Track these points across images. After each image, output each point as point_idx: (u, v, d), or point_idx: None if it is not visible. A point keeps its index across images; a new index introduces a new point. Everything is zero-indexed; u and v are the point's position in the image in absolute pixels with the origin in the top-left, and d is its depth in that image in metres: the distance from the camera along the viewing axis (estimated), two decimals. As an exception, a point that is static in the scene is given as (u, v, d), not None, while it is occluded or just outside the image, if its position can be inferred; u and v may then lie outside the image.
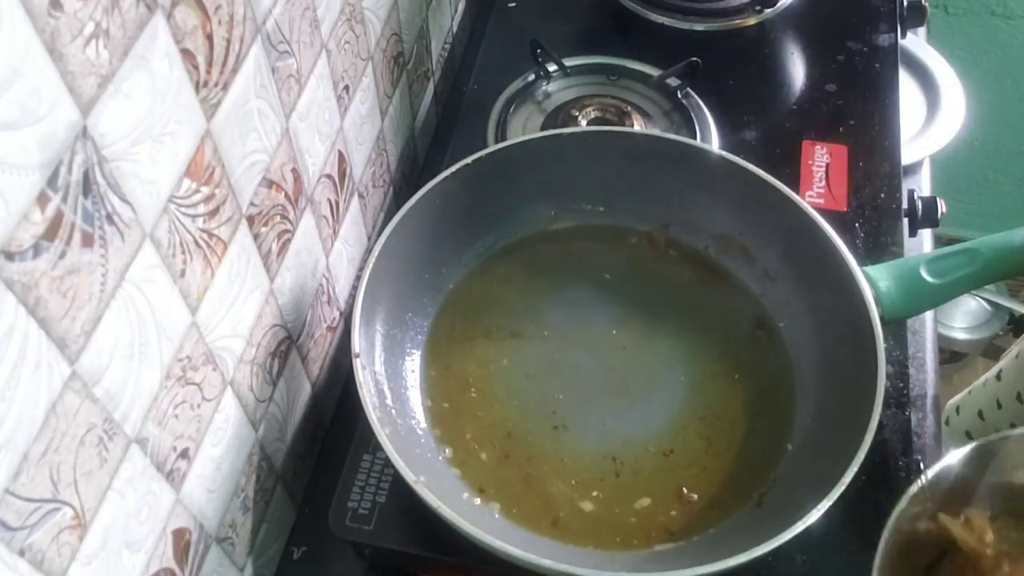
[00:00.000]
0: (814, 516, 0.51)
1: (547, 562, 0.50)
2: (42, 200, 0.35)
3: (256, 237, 0.55)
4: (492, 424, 0.63)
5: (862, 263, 0.63)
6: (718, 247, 0.71)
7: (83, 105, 0.36)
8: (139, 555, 0.48)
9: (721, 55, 0.89)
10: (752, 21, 0.91)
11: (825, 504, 0.51)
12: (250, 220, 0.54)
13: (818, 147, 0.83)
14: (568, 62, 0.87)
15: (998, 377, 0.96)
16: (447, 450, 0.61)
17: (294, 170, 0.59)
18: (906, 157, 0.85)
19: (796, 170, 0.81)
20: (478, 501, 0.59)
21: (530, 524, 0.59)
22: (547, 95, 0.86)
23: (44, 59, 0.34)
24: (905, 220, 0.79)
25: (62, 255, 0.37)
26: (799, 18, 0.94)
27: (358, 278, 0.76)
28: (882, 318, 0.60)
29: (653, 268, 0.71)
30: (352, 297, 0.71)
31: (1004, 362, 0.97)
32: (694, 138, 0.81)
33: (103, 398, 0.41)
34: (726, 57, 0.90)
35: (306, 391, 0.69)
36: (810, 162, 0.82)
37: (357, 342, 0.57)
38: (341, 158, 0.69)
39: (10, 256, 0.34)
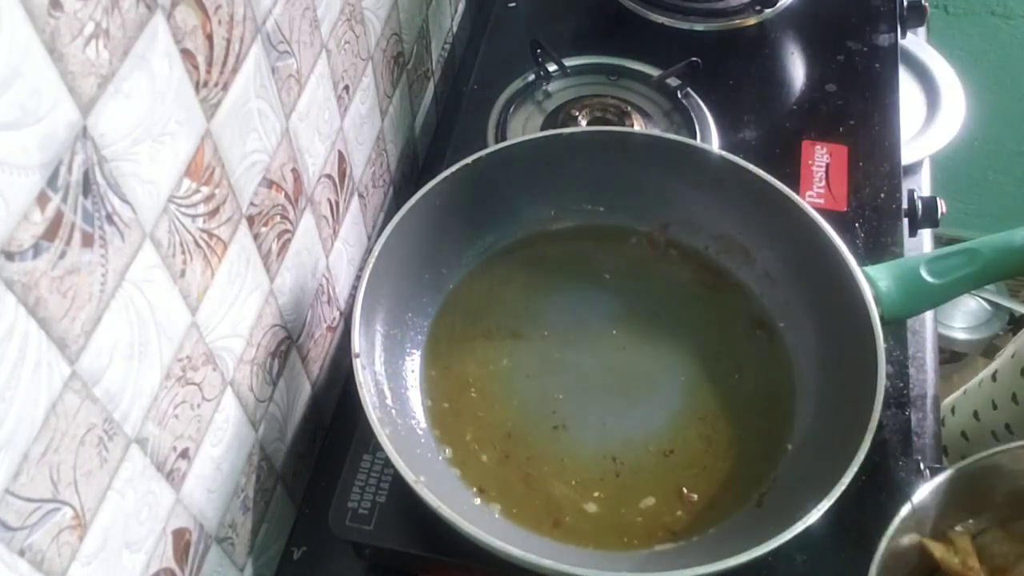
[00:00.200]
0: (814, 516, 0.51)
1: (547, 562, 0.50)
2: (42, 200, 0.35)
3: (256, 237, 0.55)
4: (492, 424, 0.63)
5: (862, 263, 0.63)
6: (718, 247, 0.71)
7: (83, 105, 0.36)
8: (139, 555, 0.48)
9: (721, 55, 0.89)
10: (752, 21, 0.91)
11: (825, 504, 0.51)
12: (250, 220, 0.54)
13: (818, 147, 0.83)
14: (568, 62, 0.87)
15: (993, 378, 0.96)
16: (447, 450, 0.61)
17: (294, 170, 0.59)
18: (906, 157, 0.85)
19: (796, 170, 0.81)
20: (478, 501, 0.59)
21: (530, 524, 0.59)
22: (547, 95, 0.86)
23: (44, 59, 0.34)
24: (905, 220, 0.79)
25: (62, 255, 0.37)
26: (799, 18, 0.94)
27: (358, 278, 0.76)
28: (882, 318, 0.60)
29: (653, 268, 0.71)
30: (352, 297, 0.71)
31: (999, 362, 0.96)
32: (694, 138, 0.81)
33: (103, 398, 0.41)
34: (726, 57, 0.90)
35: (306, 391, 0.69)
36: (810, 162, 0.82)
37: (357, 342, 0.57)
38: (341, 158, 0.69)
39: (10, 256, 0.34)
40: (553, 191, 0.71)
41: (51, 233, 0.36)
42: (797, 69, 0.91)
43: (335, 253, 0.71)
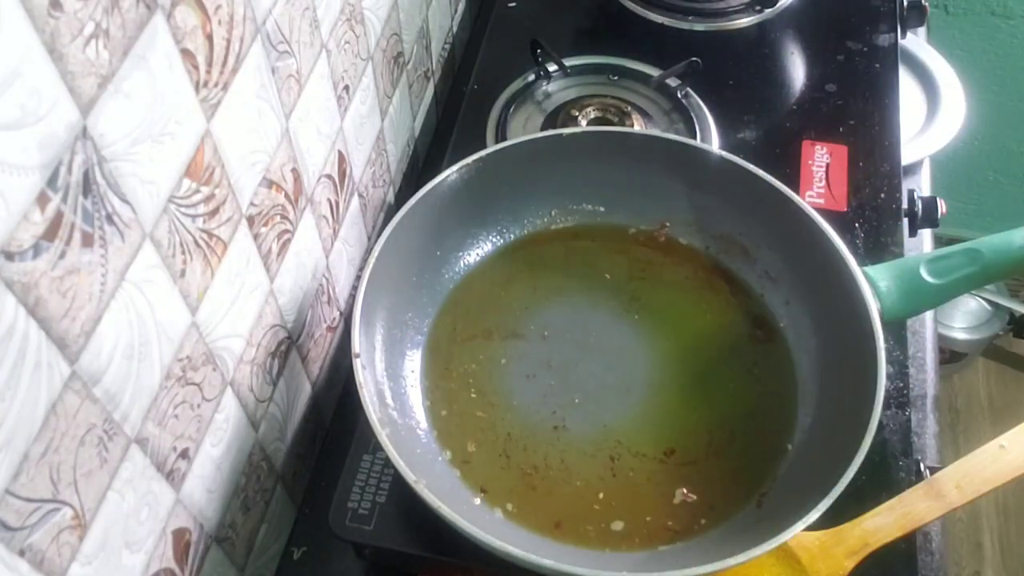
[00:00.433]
0: (814, 516, 0.51)
1: (548, 562, 0.50)
2: (42, 200, 0.35)
3: (256, 237, 0.55)
4: (492, 424, 0.63)
5: (862, 263, 0.63)
6: (718, 247, 0.71)
7: (83, 105, 0.36)
8: (139, 555, 0.48)
9: (721, 55, 0.89)
10: (752, 21, 0.91)
11: (825, 504, 0.51)
12: (250, 220, 0.54)
13: (818, 147, 0.83)
14: (568, 62, 0.87)
15: None
16: (447, 450, 0.61)
17: (294, 170, 0.59)
18: (906, 157, 0.85)
19: (796, 170, 0.81)
20: (478, 501, 0.59)
21: (530, 524, 0.59)
22: (547, 95, 0.86)
23: (44, 59, 0.34)
24: (905, 220, 0.79)
25: (62, 255, 0.37)
26: (799, 18, 0.95)
27: (358, 278, 0.76)
28: (882, 318, 0.60)
29: (653, 268, 0.71)
30: (352, 297, 0.71)
31: None
32: (694, 138, 0.81)
33: (103, 398, 0.41)
34: (726, 57, 0.90)
35: (306, 391, 0.69)
36: (810, 162, 0.82)
37: (357, 342, 0.57)
38: (341, 158, 0.69)
39: (10, 256, 0.34)
40: (553, 191, 0.71)
41: (51, 233, 0.36)
42: (797, 69, 0.91)
43: (335, 253, 0.71)
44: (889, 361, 0.64)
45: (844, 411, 0.58)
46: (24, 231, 0.34)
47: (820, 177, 0.81)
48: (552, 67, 0.87)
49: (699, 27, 0.90)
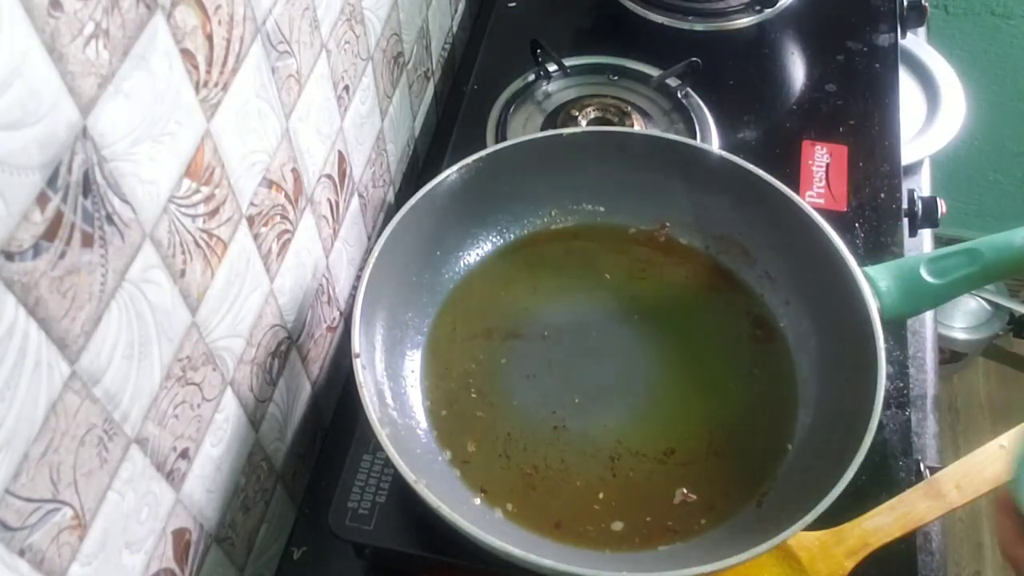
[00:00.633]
0: (814, 516, 0.51)
1: (548, 562, 0.50)
2: (42, 200, 0.35)
3: (256, 237, 0.55)
4: (492, 424, 0.63)
5: (862, 263, 0.63)
6: (718, 247, 0.71)
7: (83, 105, 0.36)
8: (139, 555, 0.48)
9: (721, 55, 0.89)
10: (752, 21, 0.91)
11: (825, 504, 0.51)
12: (250, 220, 0.54)
13: (818, 147, 0.83)
14: (568, 62, 0.87)
15: None
16: (447, 450, 0.61)
17: (294, 170, 0.59)
18: (906, 157, 0.85)
19: (796, 170, 0.81)
20: (478, 501, 0.59)
21: (530, 524, 0.59)
22: (547, 95, 0.86)
23: (44, 59, 0.34)
24: (905, 220, 0.79)
25: (62, 255, 0.37)
26: (799, 18, 0.94)
27: (358, 278, 0.76)
28: (882, 318, 0.60)
29: (653, 268, 0.71)
30: (352, 297, 0.71)
31: None
32: (694, 138, 0.81)
33: (103, 398, 0.41)
34: (726, 57, 0.90)
35: (306, 391, 0.69)
36: (810, 162, 0.82)
37: (357, 342, 0.57)
38: (341, 158, 0.69)
39: (10, 256, 0.34)
40: (553, 191, 0.71)
41: (51, 233, 0.36)
42: (797, 69, 0.92)
43: (335, 253, 0.71)
44: (889, 361, 0.64)
45: (844, 411, 0.58)
46: (24, 231, 0.34)
47: (820, 177, 0.81)
48: (552, 67, 0.87)
49: (699, 27, 0.90)
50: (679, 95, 0.84)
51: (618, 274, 0.71)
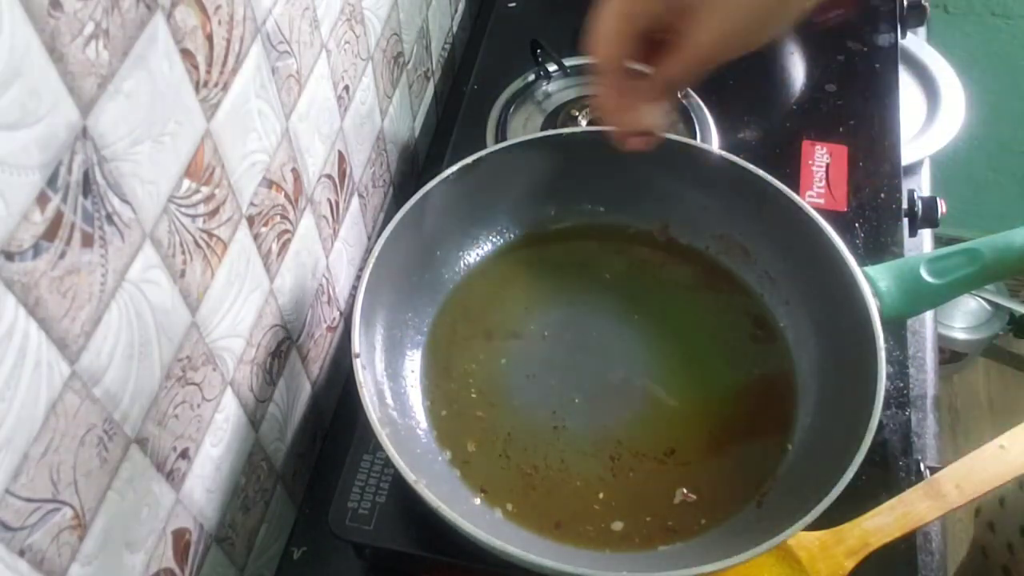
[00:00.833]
0: (814, 516, 0.51)
1: (548, 562, 0.50)
2: (42, 200, 0.35)
3: (256, 237, 0.55)
4: (492, 424, 0.63)
5: (862, 263, 0.63)
6: (718, 247, 0.71)
7: (83, 105, 0.36)
8: (139, 555, 0.48)
9: (721, 55, 0.89)
10: (752, 21, 0.91)
11: (825, 504, 0.51)
12: (250, 220, 0.54)
13: (818, 147, 0.83)
14: (568, 62, 0.87)
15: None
16: (447, 450, 0.61)
17: (294, 170, 0.59)
18: (906, 157, 0.85)
19: (796, 170, 0.81)
20: (478, 501, 0.59)
21: (530, 524, 0.59)
22: (547, 95, 0.86)
23: (44, 59, 0.34)
24: (905, 220, 0.79)
25: (62, 255, 0.37)
26: (799, 18, 0.94)
27: (358, 278, 0.76)
28: (882, 318, 0.60)
29: (653, 268, 0.71)
30: (352, 297, 0.71)
31: None
32: (694, 138, 0.81)
33: (103, 398, 0.41)
34: (726, 57, 0.90)
35: (306, 391, 0.69)
36: (810, 162, 0.82)
37: (357, 342, 0.57)
38: (341, 158, 0.69)
39: (10, 256, 0.34)
40: (553, 191, 0.71)
41: (51, 233, 0.36)
42: (797, 69, 0.91)
43: (335, 253, 0.71)
44: (889, 361, 0.64)
45: (844, 411, 0.58)
46: (24, 231, 0.34)
47: (820, 177, 0.81)
48: (552, 67, 0.87)
49: (699, 27, 0.90)
50: (679, 95, 0.84)
51: (618, 274, 0.71)
